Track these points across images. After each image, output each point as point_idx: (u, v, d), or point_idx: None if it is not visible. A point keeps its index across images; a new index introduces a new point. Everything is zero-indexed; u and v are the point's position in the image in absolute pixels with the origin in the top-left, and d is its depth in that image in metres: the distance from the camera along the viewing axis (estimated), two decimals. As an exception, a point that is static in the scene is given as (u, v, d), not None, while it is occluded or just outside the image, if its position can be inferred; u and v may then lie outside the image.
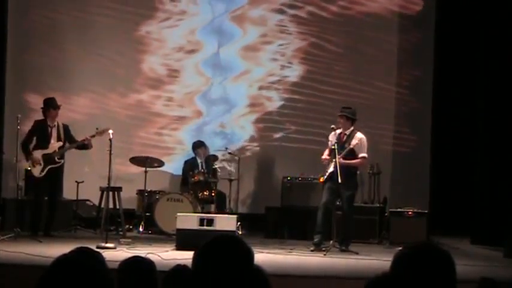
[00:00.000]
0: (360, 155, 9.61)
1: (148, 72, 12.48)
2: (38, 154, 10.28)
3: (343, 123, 9.65)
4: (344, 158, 9.41)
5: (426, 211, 10.79)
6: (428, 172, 11.91)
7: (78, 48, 12.32)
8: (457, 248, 10.00)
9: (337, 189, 9.41)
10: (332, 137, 9.67)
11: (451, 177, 11.92)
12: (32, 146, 10.36)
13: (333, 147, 9.41)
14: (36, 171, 10.28)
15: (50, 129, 10.44)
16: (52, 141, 10.39)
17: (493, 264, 8.60)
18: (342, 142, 9.58)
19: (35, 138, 10.42)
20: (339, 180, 9.12)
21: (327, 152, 9.68)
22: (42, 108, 10.51)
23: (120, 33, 12.45)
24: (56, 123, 10.46)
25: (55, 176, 10.38)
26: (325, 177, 9.55)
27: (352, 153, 9.53)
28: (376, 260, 8.49)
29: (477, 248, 10.31)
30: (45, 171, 10.25)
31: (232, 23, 12.49)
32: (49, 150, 10.31)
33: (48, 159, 10.27)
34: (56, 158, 10.31)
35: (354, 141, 9.49)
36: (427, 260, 2.65)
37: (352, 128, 9.69)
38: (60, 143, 10.38)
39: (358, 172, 9.91)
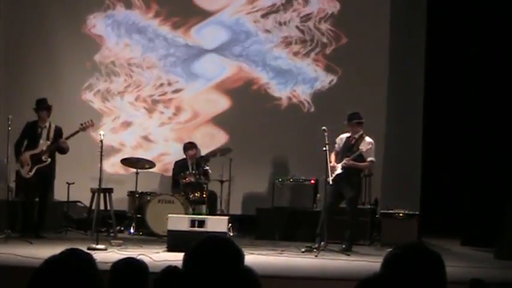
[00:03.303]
0: (368, 159, 9.77)
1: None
2: (27, 155, 10.28)
3: (353, 129, 9.78)
4: (353, 161, 9.59)
5: (417, 212, 10.80)
6: (419, 174, 11.92)
7: (70, 51, 12.36)
8: (448, 249, 10.02)
9: (340, 190, 9.58)
10: (339, 140, 9.86)
11: (441, 178, 11.95)
12: (24, 147, 10.36)
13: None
14: (24, 171, 10.27)
15: (40, 129, 10.43)
16: (41, 141, 10.37)
17: (483, 266, 8.61)
18: (351, 145, 9.71)
19: (27, 139, 10.42)
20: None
21: (333, 157, 9.77)
22: (34, 108, 10.49)
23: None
24: (47, 124, 10.45)
25: (45, 177, 10.35)
26: (332, 177, 9.57)
27: (360, 156, 9.63)
28: (367, 261, 8.49)
29: (467, 249, 10.32)
30: (33, 172, 10.24)
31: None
32: (37, 151, 10.30)
33: (35, 159, 10.26)
34: (43, 158, 10.28)
35: (365, 146, 9.62)
36: (417, 261, 2.65)
37: (361, 132, 9.78)
38: (48, 143, 10.35)
39: (361, 174, 10.05)
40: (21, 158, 10.29)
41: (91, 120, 10.36)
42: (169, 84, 12.53)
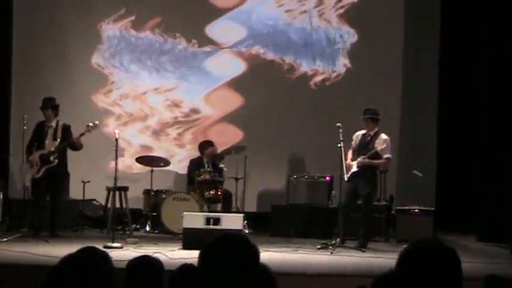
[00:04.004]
0: (384, 156, 9.74)
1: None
2: (36, 155, 10.23)
3: (367, 124, 9.75)
4: (368, 158, 9.60)
5: (433, 208, 10.77)
6: (434, 169, 11.91)
7: (83, 51, 12.42)
8: (464, 245, 10.00)
9: (356, 186, 9.59)
10: (356, 137, 9.87)
11: (457, 174, 11.90)
12: (35, 147, 10.36)
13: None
14: (34, 171, 10.25)
15: (46, 129, 10.36)
16: (47, 141, 10.31)
17: (499, 262, 8.57)
18: (366, 142, 9.71)
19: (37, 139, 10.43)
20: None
21: (350, 154, 9.76)
22: (40, 107, 10.40)
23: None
24: (53, 124, 10.35)
25: (54, 176, 10.26)
26: (349, 175, 9.59)
27: (376, 154, 9.63)
28: (382, 257, 8.48)
29: (483, 245, 10.29)
30: (41, 172, 10.17)
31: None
32: (45, 151, 10.25)
33: (44, 159, 10.20)
34: (51, 158, 10.23)
35: (380, 144, 9.61)
36: (433, 257, 2.65)
37: (376, 129, 9.77)
38: (56, 144, 10.28)
39: (377, 171, 10.06)
40: (31, 158, 10.24)
41: (95, 123, 10.23)
42: (182, 84, 12.54)
